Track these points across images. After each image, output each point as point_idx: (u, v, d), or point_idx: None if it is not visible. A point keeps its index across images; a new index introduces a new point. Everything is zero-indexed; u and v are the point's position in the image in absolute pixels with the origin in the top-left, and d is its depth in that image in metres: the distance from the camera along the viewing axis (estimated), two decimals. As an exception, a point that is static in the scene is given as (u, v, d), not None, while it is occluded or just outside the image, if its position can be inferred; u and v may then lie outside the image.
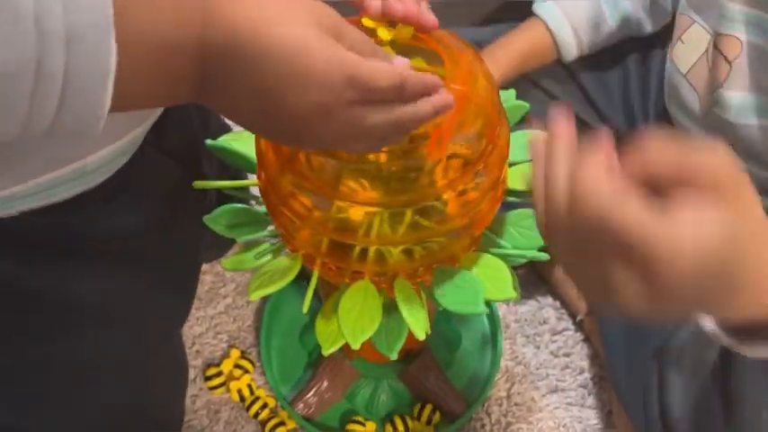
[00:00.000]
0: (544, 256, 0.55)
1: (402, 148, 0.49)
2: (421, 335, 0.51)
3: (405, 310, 0.52)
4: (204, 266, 0.96)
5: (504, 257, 0.55)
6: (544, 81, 0.86)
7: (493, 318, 0.89)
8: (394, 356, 0.54)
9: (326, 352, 0.55)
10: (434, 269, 0.54)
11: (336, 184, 0.51)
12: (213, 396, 0.87)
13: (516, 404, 0.87)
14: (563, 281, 0.90)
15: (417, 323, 0.52)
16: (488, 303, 0.54)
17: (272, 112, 0.39)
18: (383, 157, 0.50)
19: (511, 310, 0.92)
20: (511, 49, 0.83)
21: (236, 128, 0.47)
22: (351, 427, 0.81)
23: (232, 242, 0.93)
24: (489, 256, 0.55)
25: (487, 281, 0.53)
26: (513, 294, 0.53)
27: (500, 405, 0.86)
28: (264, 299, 0.93)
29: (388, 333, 0.54)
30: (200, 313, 0.93)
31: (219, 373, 0.87)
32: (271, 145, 0.53)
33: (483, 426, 0.85)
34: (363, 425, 0.81)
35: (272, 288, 0.54)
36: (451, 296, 0.52)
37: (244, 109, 0.40)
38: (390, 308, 0.54)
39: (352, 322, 0.52)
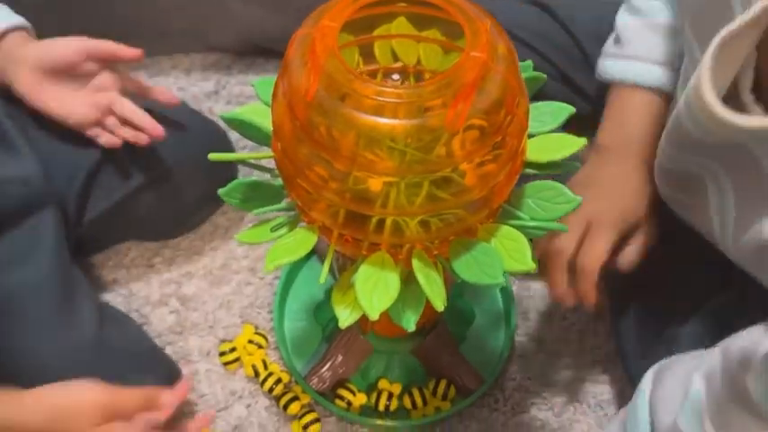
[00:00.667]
0: (563, 227, 0.55)
1: (418, 119, 0.49)
2: (439, 305, 0.51)
3: (423, 281, 0.51)
4: (216, 244, 0.97)
5: (522, 230, 0.55)
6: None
7: (506, 293, 0.88)
8: (411, 328, 0.54)
9: (343, 325, 0.55)
10: (452, 241, 0.54)
11: (353, 155, 0.51)
12: (227, 372, 0.87)
13: (530, 379, 0.87)
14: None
15: (436, 294, 0.51)
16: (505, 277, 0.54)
17: None
18: (399, 128, 0.49)
19: (524, 286, 0.92)
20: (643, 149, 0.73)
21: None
22: (341, 392, 0.82)
23: (200, 218, 0.95)
24: (507, 227, 0.55)
25: (506, 252, 0.53)
26: (531, 266, 0.52)
27: (513, 380, 0.86)
28: (276, 276, 0.93)
29: (404, 305, 0.54)
30: (213, 290, 0.93)
31: (233, 349, 0.87)
32: (287, 115, 0.53)
33: (496, 401, 0.85)
34: (354, 393, 0.82)
35: (290, 258, 0.54)
36: (470, 268, 0.52)
37: None
38: (407, 280, 0.54)
39: (370, 293, 0.52)
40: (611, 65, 0.75)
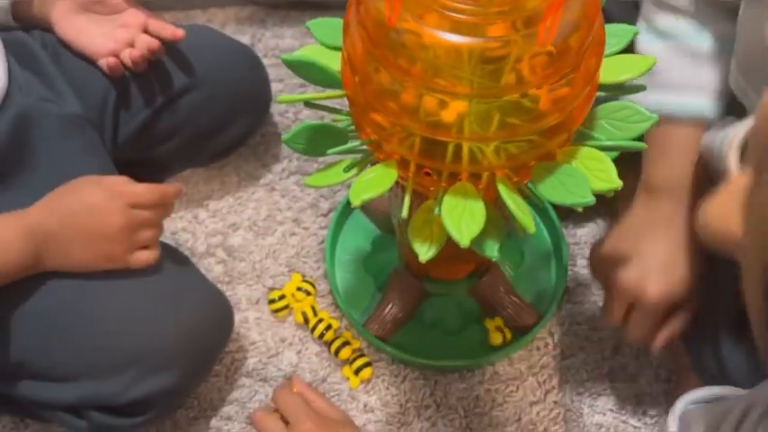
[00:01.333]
0: (641, 145, 0.55)
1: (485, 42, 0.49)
2: (532, 228, 0.51)
3: (512, 205, 0.52)
4: (260, 194, 0.97)
5: (600, 150, 0.55)
6: None
7: (555, 230, 0.89)
8: (496, 256, 0.54)
9: (424, 258, 0.55)
10: (534, 166, 0.54)
11: (427, 80, 0.51)
12: (276, 319, 0.88)
13: (578, 323, 0.87)
14: (624, 196, 0.89)
15: (524, 216, 0.52)
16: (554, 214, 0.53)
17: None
18: (462, 51, 0.49)
19: (570, 233, 0.92)
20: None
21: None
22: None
23: (237, 139, 0.93)
24: (587, 149, 0.55)
25: (589, 173, 0.53)
26: (618, 183, 0.53)
27: (562, 324, 0.87)
28: (321, 226, 0.94)
29: (486, 234, 0.54)
30: (258, 241, 0.93)
31: (282, 297, 0.88)
32: (362, 43, 0.53)
33: (546, 344, 0.86)
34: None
35: (376, 192, 0.54)
36: (556, 190, 0.52)
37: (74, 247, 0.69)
38: (488, 210, 0.54)
39: (458, 222, 0.52)
40: (642, 97, 0.64)
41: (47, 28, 0.82)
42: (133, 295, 0.72)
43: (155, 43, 0.80)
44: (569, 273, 0.89)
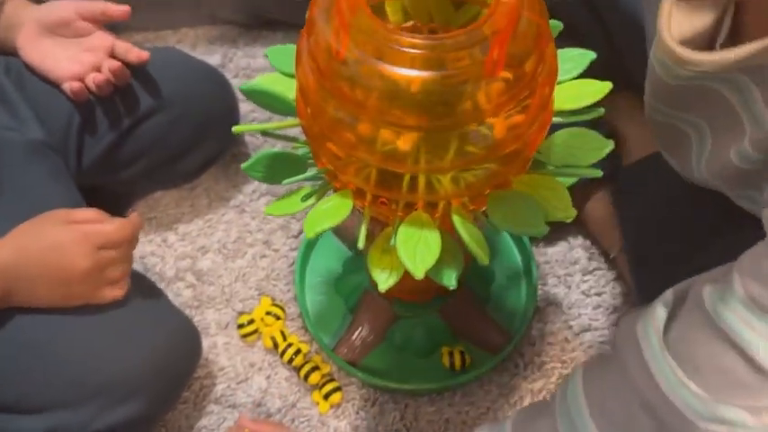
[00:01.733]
0: (597, 173, 0.55)
1: (440, 73, 0.48)
2: (485, 259, 0.51)
3: (466, 236, 0.51)
4: (230, 216, 0.96)
5: (557, 177, 0.55)
6: None
7: (525, 251, 0.88)
8: (453, 285, 0.54)
9: (383, 288, 0.54)
10: (489, 195, 0.53)
11: (381, 113, 0.50)
12: (245, 344, 0.87)
13: (549, 343, 0.87)
14: (595, 217, 0.89)
15: (480, 248, 0.51)
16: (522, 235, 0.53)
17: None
18: (415, 84, 0.49)
19: (540, 252, 0.92)
20: None
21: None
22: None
23: (203, 161, 0.93)
24: (543, 177, 0.54)
25: (545, 201, 0.53)
26: (573, 213, 0.52)
27: (533, 345, 0.87)
28: (291, 248, 0.93)
29: (444, 263, 0.54)
30: (228, 264, 0.93)
31: (251, 321, 0.87)
32: (315, 76, 0.52)
33: (516, 365, 0.85)
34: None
35: (330, 223, 0.54)
36: (510, 220, 0.52)
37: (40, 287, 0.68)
38: (444, 238, 0.54)
39: (413, 253, 0.52)
40: None
41: (11, 52, 0.82)
42: (100, 327, 0.71)
43: (119, 67, 0.79)
44: (540, 292, 0.89)
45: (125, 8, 0.80)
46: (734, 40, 0.52)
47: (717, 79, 0.51)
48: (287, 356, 0.84)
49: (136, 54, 0.81)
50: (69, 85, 0.79)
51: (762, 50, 0.45)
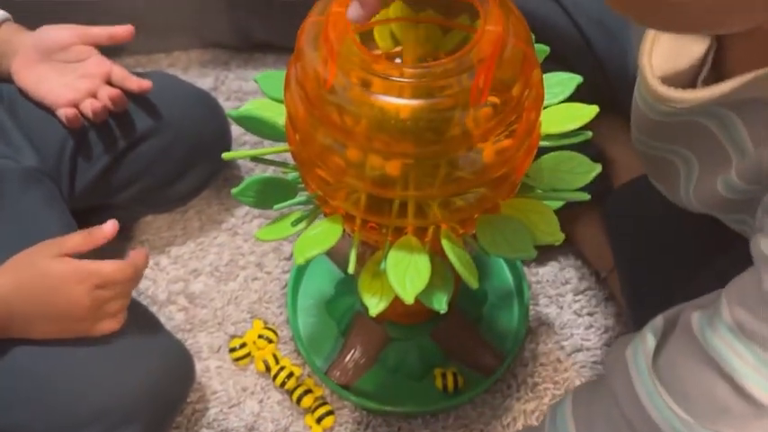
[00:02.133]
0: (584, 196, 0.55)
1: (428, 100, 0.49)
2: (474, 283, 0.51)
3: (455, 260, 0.51)
4: (222, 239, 0.96)
5: (545, 201, 0.55)
6: None
7: (517, 271, 0.89)
8: (443, 309, 0.54)
9: (374, 312, 0.55)
10: (477, 219, 0.54)
11: (369, 140, 0.51)
12: (238, 368, 0.87)
13: (542, 364, 0.87)
14: (586, 237, 0.89)
15: (469, 272, 0.51)
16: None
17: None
18: (403, 112, 0.49)
19: (532, 272, 0.92)
20: None
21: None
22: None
23: (194, 187, 0.93)
24: (531, 201, 0.55)
25: (533, 225, 0.53)
26: (561, 236, 0.53)
27: (525, 366, 0.87)
28: (283, 270, 0.93)
29: (434, 287, 0.54)
30: (220, 287, 0.93)
31: (243, 345, 0.87)
32: (303, 103, 0.53)
33: (509, 386, 0.85)
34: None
35: (320, 249, 0.54)
36: (499, 244, 0.52)
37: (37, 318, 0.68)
38: (434, 262, 0.54)
39: (402, 278, 0.52)
40: None
41: (5, 78, 0.82)
42: (95, 356, 0.71)
43: (119, 95, 0.79)
44: (532, 312, 0.89)
45: (129, 27, 0.80)
46: (716, 74, 0.52)
47: (701, 113, 0.52)
48: (279, 380, 0.84)
49: (136, 83, 0.80)
50: (64, 112, 0.79)
51: (744, 85, 0.45)
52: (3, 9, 0.81)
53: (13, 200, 0.78)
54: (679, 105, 0.51)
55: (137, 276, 0.71)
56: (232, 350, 0.87)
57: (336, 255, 0.91)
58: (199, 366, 0.86)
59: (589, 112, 0.59)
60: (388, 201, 0.54)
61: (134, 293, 0.91)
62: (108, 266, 0.68)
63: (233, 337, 0.89)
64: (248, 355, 0.87)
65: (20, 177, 0.79)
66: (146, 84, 0.80)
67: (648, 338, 0.51)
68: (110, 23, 0.92)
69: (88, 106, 0.78)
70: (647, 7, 0.41)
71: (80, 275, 0.67)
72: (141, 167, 0.86)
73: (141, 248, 0.72)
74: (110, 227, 0.70)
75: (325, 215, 0.59)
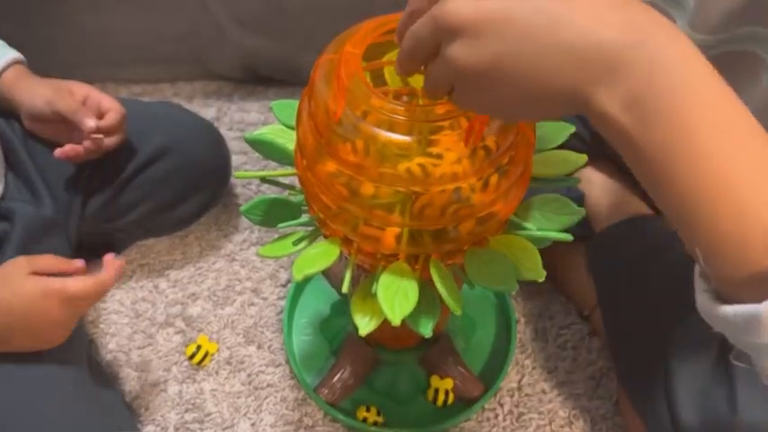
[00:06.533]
0: (568, 237, 0.59)
1: (427, 144, 0.52)
2: (457, 310, 0.54)
3: (442, 288, 0.55)
4: (220, 264, 0.99)
5: (530, 239, 0.58)
6: None
7: (505, 303, 0.92)
8: (429, 334, 0.57)
9: (363, 332, 0.57)
10: (466, 251, 0.57)
11: (374, 170, 0.54)
12: (232, 391, 0.89)
13: (527, 395, 0.89)
14: (568, 279, 0.93)
15: (454, 300, 0.54)
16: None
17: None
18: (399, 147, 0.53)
19: (519, 305, 0.96)
20: None
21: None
22: (361, 413, 0.84)
23: (197, 209, 0.97)
24: (518, 238, 0.58)
25: (517, 262, 0.56)
26: (543, 274, 0.56)
27: (512, 396, 0.89)
28: (279, 297, 0.96)
29: (421, 312, 0.57)
30: (217, 311, 0.95)
31: (199, 347, 0.91)
32: (312, 133, 0.56)
33: (496, 416, 0.88)
34: (369, 410, 0.85)
35: (318, 268, 0.57)
36: (484, 276, 0.55)
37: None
38: (423, 289, 0.57)
39: (391, 301, 0.55)
40: None
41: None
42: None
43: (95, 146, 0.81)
44: (519, 343, 0.92)
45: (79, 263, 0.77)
46: None
47: None
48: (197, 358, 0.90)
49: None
50: (62, 152, 0.81)
51: None
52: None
53: (25, 248, 0.80)
54: None
55: (103, 292, 0.74)
56: (191, 357, 0.91)
57: (333, 276, 0.94)
58: (193, 388, 0.88)
59: (578, 159, 0.62)
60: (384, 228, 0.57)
61: (132, 315, 0.94)
62: (73, 284, 0.71)
63: (227, 361, 0.91)
64: (204, 351, 0.91)
65: (38, 225, 0.82)
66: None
67: None
68: (122, 54, 0.96)
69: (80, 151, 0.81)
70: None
71: (50, 291, 0.71)
72: (144, 193, 0.90)
73: (115, 261, 0.75)
74: (79, 263, 0.75)
75: (325, 237, 0.62)
